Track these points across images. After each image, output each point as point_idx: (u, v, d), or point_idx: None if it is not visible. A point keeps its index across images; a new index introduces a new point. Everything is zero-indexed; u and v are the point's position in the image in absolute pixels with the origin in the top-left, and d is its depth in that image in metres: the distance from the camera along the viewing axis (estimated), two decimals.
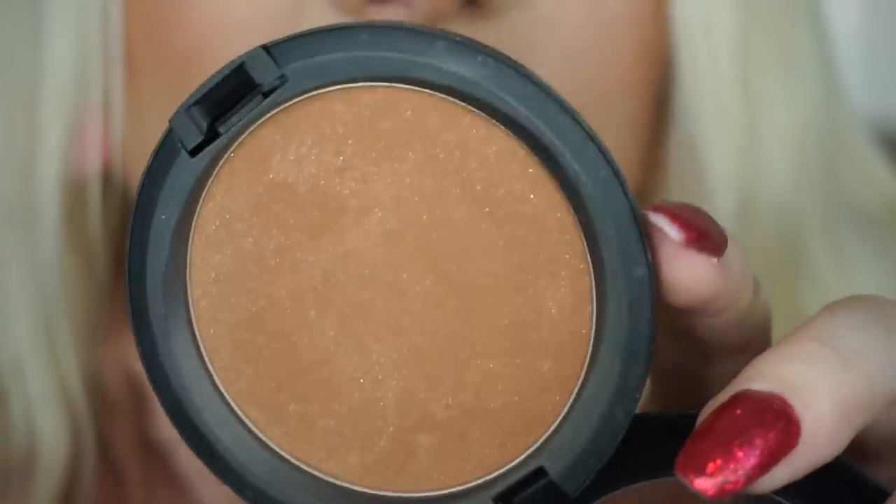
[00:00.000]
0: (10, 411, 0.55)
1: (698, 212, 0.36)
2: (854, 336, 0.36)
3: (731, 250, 0.36)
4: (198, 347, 0.39)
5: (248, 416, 0.39)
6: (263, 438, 0.39)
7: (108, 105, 0.53)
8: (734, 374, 0.39)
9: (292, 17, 0.48)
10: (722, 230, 0.36)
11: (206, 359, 0.39)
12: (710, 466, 0.35)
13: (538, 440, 0.37)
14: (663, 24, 0.51)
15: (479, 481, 0.37)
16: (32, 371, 0.55)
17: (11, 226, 0.55)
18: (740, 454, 0.35)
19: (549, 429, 0.37)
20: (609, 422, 0.36)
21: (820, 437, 0.35)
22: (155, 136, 0.51)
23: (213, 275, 0.38)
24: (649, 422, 0.37)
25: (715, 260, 0.35)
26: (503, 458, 0.37)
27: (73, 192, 0.54)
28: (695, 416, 0.36)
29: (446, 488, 0.38)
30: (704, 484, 0.35)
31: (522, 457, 0.37)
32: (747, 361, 0.39)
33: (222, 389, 0.39)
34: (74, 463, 0.56)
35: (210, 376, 0.39)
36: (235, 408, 0.39)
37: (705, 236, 0.35)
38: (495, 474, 0.37)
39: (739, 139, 0.52)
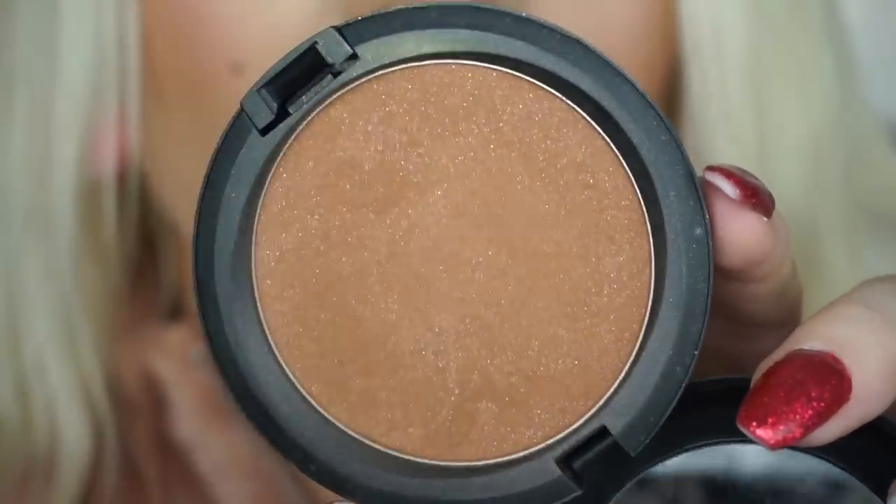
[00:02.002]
0: (33, 409, 0.57)
1: (748, 173, 0.39)
2: (893, 301, 0.39)
3: (776, 215, 0.39)
4: (262, 325, 0.40)
5: (310, 393, 0.40)
6: (326, 414, 0.40)
7: (123, 112, 0.55)
8: (769, 352, 0.41)
9: (309, 31, 0.50)
10: (769, 192, 0.39)
11: (270, 337, 0.40)
12: (771, 418, 0.37)
13: (599, 401, 0.39)
14: (671, 34, 0.53)
15: (542, 445, 0.40)
16: (54, 370, 0.57)
17: (29, 230, 0.57)
18: (798, 406, 0.37)
19: (609, 389, 0.39)
20: (669, 379, 0.38)
21: (869, 392, 0.38)
22: (175, 143, 0.54)
23: (278, 253, 0.40)
24: (702, 387, 0.40)
25: (766, 219, 0.38)
26: (565, 421, 0.39)
27: (89, 197, 0.57)
28: (747, 381, 0.39)
29: (510, 454, 0.40)
30: (766, 433, 0.37)
31: (584, 418, 0.39)
32: (782, 338, 0.41)
33: (286, 366, 0.40)
34: (96, 460, 0.58)
35: (274, 354, 0.40)
36: (298, 385, 0.40)
37: (757, 194, 0.38)
38: (558, 437, 0.39)
39: (749, 148, 0.55)
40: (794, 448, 0.40)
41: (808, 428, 0.38)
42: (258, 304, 0.40)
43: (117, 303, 0.59)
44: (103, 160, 0.56)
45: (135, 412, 0.59)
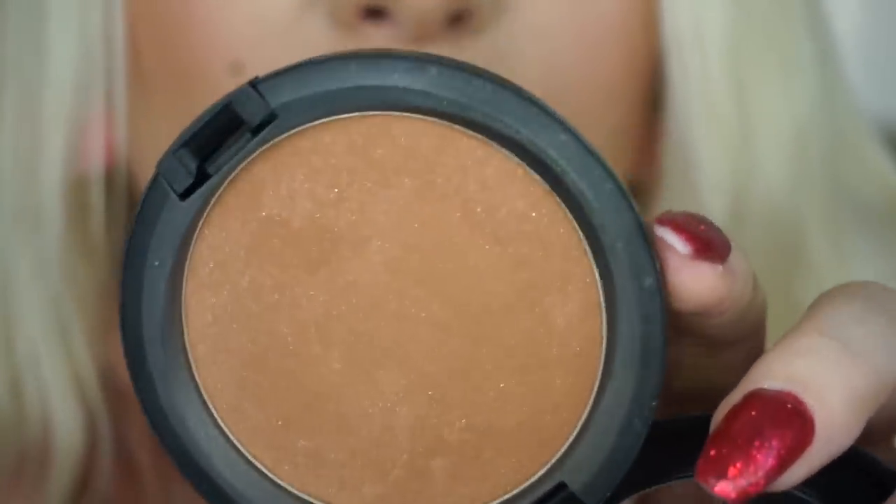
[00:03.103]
0: (26, 403, 0.58)
1: (702, 221, 0.37)
2: (857, 327, 0.37)
3: (733, 254, 0.37)
4: (200, 393, 0.39)
5: (256, 457, 0.39)
6: (273, 478, 0.39)
7: (111, 108, 0.55)
8: (735, 363, 0.40)
9: (292, 29, 0.50)
10: (724, 236, 0.37)
11: (209, 403, 0.39)
12: (731, 470, 0.36)
13: (556, 456, 0.38)
14: (653, 28, 0.52)
15: (499, 501, 0.38)
16: (47, 363, 0.57)
17: (18, 226, 0.57)
18: (759, 456, 0.36)
19: (566, 444, 0.38)
20: (627, 433, 0.37)
21: (834, 431, 0.36)
22: (163, 139, 0.54)
23: (210, 317, 0.38)
24: (662, 427, 0.38)
25: (720, 267, 0.36)
26: (521, 477, 0.38)
27: (77, 193, 0.57)
28: (707, 419, 0.37)
29: None
30: (726, 488, 0.36)
31: (541, 473, 0.38)
32: (748, 350, 0.40)
33: (228, 433, 0.39)
34: (90, 453, 0.58)
35: (215, 420, 0.39)
36: (243, 450, 0.39)
37: (710, 246, 0.36)
38: (514, 493, 0.38)
39: (732, 140, 0.54)
40: None
41: (771, 477, 0.36)
42: (194, 372, 0.39)
43: (109, 296, 0.59)
44: (91, 157, 0.56)
45: (129, 403, 0.58)
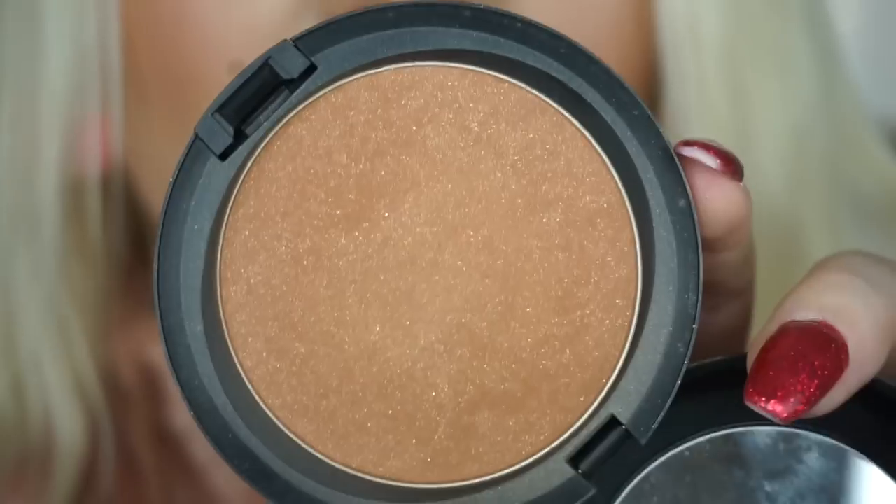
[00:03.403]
0: (29, 405, 0.58)
1: (716, 142, 0.39)
2: (873, 267, 0.40)
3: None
4: (237, 366, 0.38)
5: (296, 432, 0.39)
6: (315, 453, 0.39)
7: (107, 112, 0.56)
8: (731, 322, 0.42)
9: (286, 32, 0.50)
10: (737, 157, 0.39)
11: (246, 377, 0.39)
12: (780, 391, 0.37)
13: (601, 392, 0.38)
14: (649, 30, 0.54)
15: (549, 448, 0.38)
16: (48, 366, 0.58)
17: (16, 229, 0.58)
18: (804, 376, 0.37)
19: (610, 379, 0.38)
20: (671, 357, 0.38)
21: (865, 357, 0.38)
22: (160, 141, 0.55)
23: (246, 286, 0.39)
24: (700, 371, 0.40)
25: (742, 184, 0.39)
26: (568, 420, 0.38)
27: (74, 197, 0.58)
28: (740, 360, 0.39)
29: (516, 463, 0.38)
30: (777, 407, 0.37)
31: (588, 412, 0.38)
32: (742, 308, 0.42)
33: (266, 407, 0.39)
34: (92, 454, 0.58)
35: (252, 395, 0.38)
36: (282, 425, 0.39)
37: (734, 162, 0.38)
38: (564, 436, 0.38)
39: (729, 141, 0.56)
40: (794, 426, 0.40)
41: (815, 399, 0.38)
42: (230, 344, 0.38)
43: (109, 298, 0.59)
44: (88, 160, 0.57)
45: (131, 402, 0.59)
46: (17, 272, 0.58)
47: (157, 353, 0.60)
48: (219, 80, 0.51)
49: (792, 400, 0.37)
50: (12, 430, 0.58)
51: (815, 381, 0.38)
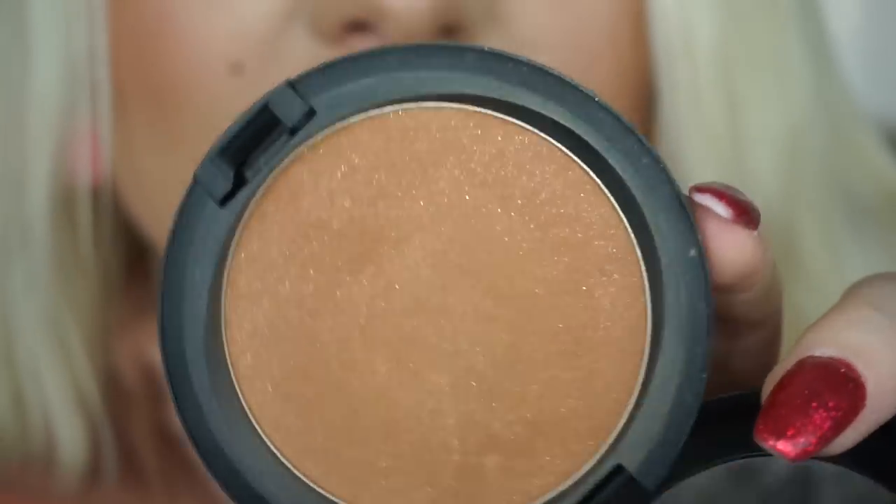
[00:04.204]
0: (29, 415, 0.59)
1: (734, 188, 0.38)
2: (894, 302, 0.38)
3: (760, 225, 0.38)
4: (244, 408, 0.39)
5: (304, 472, 0.39)
6: (324, 492, 0.39)
7: (96, 127, 0.57)
8: (754, 350, 0.41)
9: (274, 45, 0.51)
10: (754, 203, 0.38)
11: (254, 419, 0.39)
12: (790, 430, 0.37)
13: (609, 439, 0.38)
14: (643, 41, 0.53)
15: (556, 492, 0.38)
16: (48, 376, 0.59)
17: (8, 240, 0.58)
18: (816, 416, 0.37)
19: (619, 426, 0.38)
20: (679, 408, 0.38)
21: (884, 396, 0.37)
22: (144, 153, 0.55)
23: (250, 330, 0.38)
24: (711, 406, 0.39)
25: (755, 233, 0.37)
26: (575, 465, 0.38)
27: (64, 208, 0.58)
28: (757, 395, 0.38)
29: None
30: (786, 447, 0.37)
31: (595, 459, 0.38)
32: (767, 336, 0.41)
33: (274, 448, 0.39)
34: (94, 461, 0.59)
35: (260, 436, 0.39)
36: (291, 465, 0.39)
37: (747, 209, 0.37)
38: (570, 482, 0.38)
39: (724, 151, 0.55)
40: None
41: (827, 438, 0.37)
42: (237, 387, 0.39)
43: (106, 305, 0.60)
44: (78, 173, 0.57)
45: (133, 404, 0.60)
46: (11, 284, 0.58)
47: (157, 354, 0.60)
48: (200, 95, 0.51)
49: (802, 440, 0.37)
50: (13, 440, 0.59)
51: (829, 422, 0.37)
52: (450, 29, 0.49)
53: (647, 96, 0.55)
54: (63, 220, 0.58)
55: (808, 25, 0.59)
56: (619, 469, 0.38)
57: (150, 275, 0.61)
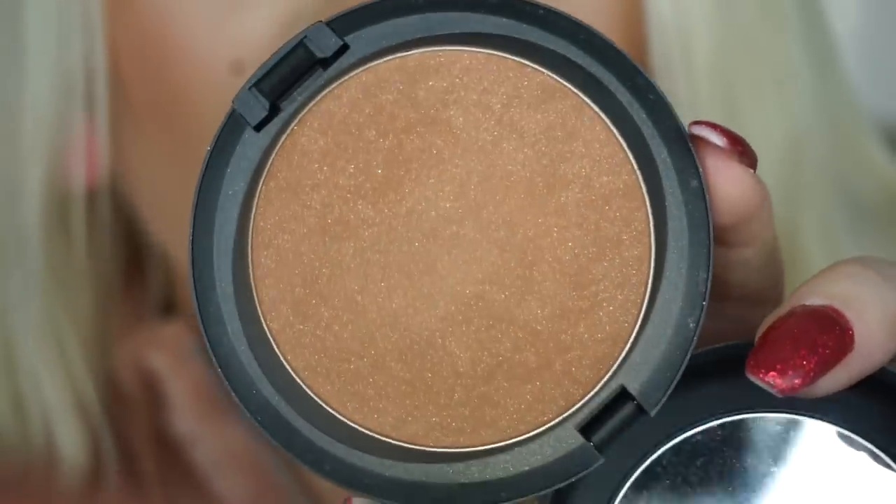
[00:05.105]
0: (29, 421, 0.60)
1: (726, 127, 0.41)
2: (886, 265, 0.41)
3: (759, 177, 0.41)
4: (264, 326, 0.41)
5: (318, 393, 0.41)
6: (335, 413, 0.40)
7: (93, 133, 0.58)
8: (752, 326, 0.43)
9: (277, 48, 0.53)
10: (747, 143, 0.41)
11: (273, 338, 0.41)
12: (780, 364, 0.39)
13: (614, 364, 0.40)
14: (639, 51, 0.56)
15: (561, 416, 0.40)
16: (47, 383, 0.60)
17: (5, 249, 0.60)
18: (804, 353, 0.39)
19: (623, 351, 0.40)
20: (681, 332, 0.40)
21: (871, 345, 0.40)
22: (151, 158, 0.57)
23: (276, 253, 0.41)
24: (710, 356, 0.41)
25: (753, 171, 0.40)
26: (582, 389, 0.40)
27: (59, 216, 0.60)
28: (749, 345, 0.40)
29: (530, 430, 0.40)
30: (775, 379, 0.39)
31: (601, 383, 0.40)
32: (764, 313, 0.43)
33: (290, 367, 0.41)
34: (93, 466, 0.60)
35: (278, 355, 0.40)
36: (305, 385, 0.41)
37: (744, 144, 0.40)
38: (577, 406, 0.40)
39: None
40: (800, 413, 0.41)
41: (814, 374, 0.39)
42: (258, 306, 0.41)
43: (104, 310, 0.61)
44: (73, 179, 0.59)
45: (132, 408, 0.61)
46: (9, 290, 0.59)
47: (156, 358, 0.62)
48: (204, 102, 0.54)
49: (790, 373, 0.39)
50: (13, 446, 0.60)
51: (815, 358, 0.39)
52: None
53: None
54: (58, 227, 0.59)
55: (810, 28, 0.61)
56: (621, 392, 0.40)
57: (146, 280, 0.63)
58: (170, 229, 0.59)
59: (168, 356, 0.62)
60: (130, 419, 0.61)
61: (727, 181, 0.40)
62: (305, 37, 0.41)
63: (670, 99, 0.40)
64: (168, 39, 0.55)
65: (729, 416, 0.42)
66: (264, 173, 0.41)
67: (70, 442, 0.59)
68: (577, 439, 0.40)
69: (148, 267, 0.63)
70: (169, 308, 0.64)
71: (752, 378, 0.39)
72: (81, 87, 0.58)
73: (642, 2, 0.56)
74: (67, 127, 0.58)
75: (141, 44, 0.56)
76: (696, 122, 0.41)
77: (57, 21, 0.58)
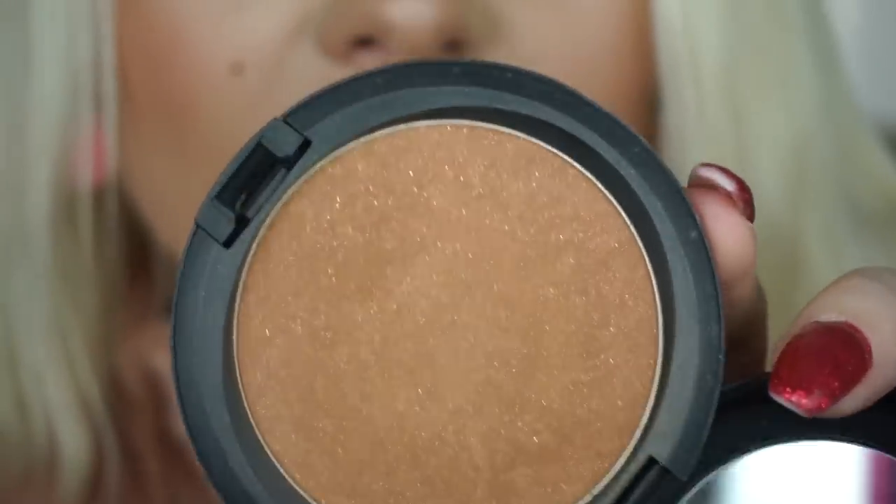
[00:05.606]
0: (32, 421, 0.59)
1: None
2: (891, 275, 0.40)
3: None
4: (266, 451, 0.38)
5: None
6: None
7: (100, 131, 0.58)
8: (740, 368, 0.42)
9: (281, 61, 0.52)
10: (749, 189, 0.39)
11: (277, 462, 0.38)
12: (804, 383, 0.37)
13: (637, 432, 0.38)
14: (647, 53, 0.55)
15: (590, 496, 0.38)
16: (51, 382, 0.59)
17: (11, 246, 0.59)
18: (828, 370, 0.37)
19: (643, 419, 0.38)
20: (701, 390, 0.38)
21: (888, 358, 0.38)
22: (155, 158, 0.57)
23: (266, 370, 0.39)
24: (727, 395, 0.39)
25: (750, 223, 0.39)
26: (607, 463, 0.38)
27: (67, 213, 0.59)
28: (765, 379, 0.39)
29: None
30: (801, 399, 0.37)
31: (626, 453, 0.38)
32: (753, 354, 0.42)
33: (301, 489, 0.38)
34: (97, 466, 0.59)
35: (286, 479, 0.38)
36: None
37: (750, 193, 0.38)
38: (603, 483, 0.38)
39: (728, 161, 0.56)
40: (830, 437, 0.40)
41: (839, 393, 0.38)
42: (257, 430, 0.38)
43: (109, 310, 0.61)
44: (80, 177, 0.58)
45: (136, 408, 0.61)
46: (14, 289, 0.59)
47: (160, 359, 0.62)
48: (208, 104, 0.52)
49: (816, 392, 0.38)
50: (16, 446, 0.60)
51: (839, 377, 0.38)
52: (455, 44, 0.51)
53: (650, 108, 0.56)
54: (64, 226, 0.59)
55: (814, 33, 0.60)
56: (651, 461, 0.38)
57: (152, 280, 0.62)
58: (171, 227, 0.58)
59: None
60: (134, 419, 0.60)
61: (726, 230, 0.38)
62: (262, 137, 0.38)
63: (655, 151, 0.38)
64: (172, 37, 0.54)
65: (751, 451, 0.40)
66: (239, 289, 0.38)
67: (73, 441, 0.59)
68: None
69: (153, 266, 0.62)
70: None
71: (777, 398, 0.38)
72: (90, 86, 0.57)
73: (650, 5, 0.55)
74: (75, 125, 0.57)
75: (146, 42, 0.55)
76: (705, 165, 0.39)
77: (65, 19, 0.57)
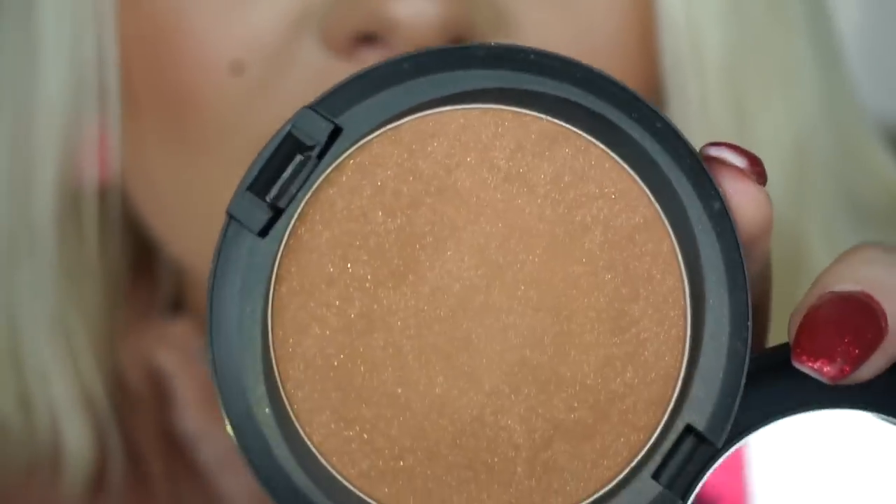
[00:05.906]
0: (36, 417, 0.59)
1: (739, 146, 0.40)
2: None
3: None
4: (306, 442, 0.38)
5: (377, 498, 0.39)
6: None
7: (104, 129, 0.58)
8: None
9: (284, 56, 0.51)
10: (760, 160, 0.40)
11: (318, 452, 0.38)
12: (826, 351, 0.38)
13: (671, 403, 0.39)
14: (651, 49, 0.55)
15: (629, 467, 0.39)
16: (55, 378, 0.59)
17: (16, 244, 0.59)
18: (848, 338, 0.39)
19: (677, 388, 0.39)
20: (733, 357, 0.39)
21: None
22: (155, 156, 0.57)
23: (303, 361, 0.39)
24: (756, 363, 0.40)
25: (765, 189, 0.40)
26: (644, 435, 0.39)
27: (71, 211, 0.59)
28: (781, 347, 0.40)
29: (600, 489, 0.38)
30: (824, 366, 0.38)
31: (663, 424, 0.39)
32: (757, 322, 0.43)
33: (343, 478, 0.38)
34: (100, 463, 0.59)
35: (327, 469, 0.38)
36: (363, 495, 0.38)
37: (761, 164, 0.40)
38: (643, 453, 0.39)
39: None
40: (852, 406, 0.41)
41: (859, 360, 0.39)
42: (296, 422, 0.38)
43: (113, 307, 0.61)
44: (85, 174, 0.58)
45: (139, 406, 0.61)
46: (18, 286, 0.59)
47: (164, 356, 0.62)
48: (211, 100, 0.52)
49: (839, 360, 0.39)
50: (20, 443, 0.59)
51: (859, 344, 0.39)
52: (458, 40, 0.51)
53: (655, 101, 0.57)
54: (69, 223, 0.59)
55: (817, 31, 0.61)
56: (687, 429, 0.39)
57: (156, 278, 0.62)
58: (169, 227, 0.58)
59: (176, 354, 0.61)
60: (137, 417, 0.60)
61: (746, 201, 0.40)
62: (293, 126, 0.38)
63: (677, 125, 0.39)
64: (174, 34, 0.54)
65: (780, 418, 0.41)
66: (273, 280, 0.38)
67: (76, 438, 0.59)
68: (655, 488, 0.39)
69: (157, 265, 0.62)
70: (177, 306, 0.63)
71: (800, 366, 0.39)
72: (94, 84, 0.57)
73: (654, 2, 0.56)
74: (80, 124, 0.57)
75: (148, 39, 0.55)
76: (714, 144, 0.40)
77: (70, 18, 0.57)
